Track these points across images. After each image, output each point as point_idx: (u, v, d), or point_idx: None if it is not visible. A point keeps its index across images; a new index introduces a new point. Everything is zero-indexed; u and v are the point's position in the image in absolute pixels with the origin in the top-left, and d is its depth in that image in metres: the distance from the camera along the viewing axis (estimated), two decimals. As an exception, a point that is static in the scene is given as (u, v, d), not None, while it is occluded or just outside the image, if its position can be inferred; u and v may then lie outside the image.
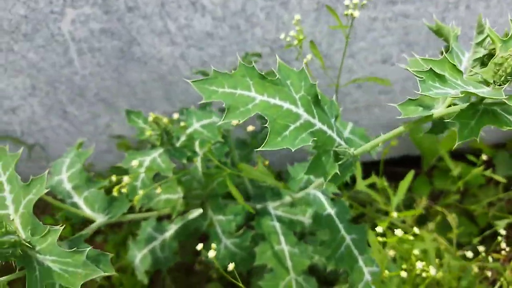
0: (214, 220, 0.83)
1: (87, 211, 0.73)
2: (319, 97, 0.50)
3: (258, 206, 0.94)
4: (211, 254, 0.58)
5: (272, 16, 1.15)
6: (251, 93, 0.49)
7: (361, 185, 0.85)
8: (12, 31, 1.12)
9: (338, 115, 0.55)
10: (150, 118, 0.69)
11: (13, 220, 0.54)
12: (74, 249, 0.51)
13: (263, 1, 1.11)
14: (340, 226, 0.69)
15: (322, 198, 0.72)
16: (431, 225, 1.05)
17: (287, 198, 0.92)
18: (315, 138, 0.47)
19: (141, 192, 0.64)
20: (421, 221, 1.20)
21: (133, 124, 0.73)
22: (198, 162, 0.77)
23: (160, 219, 0.98)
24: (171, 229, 0.90)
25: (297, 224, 0.90)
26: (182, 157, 0.70)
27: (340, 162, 0.49)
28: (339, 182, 0.50)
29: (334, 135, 0.51)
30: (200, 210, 0.88)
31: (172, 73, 1.28)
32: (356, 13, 0.70)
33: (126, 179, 0.60)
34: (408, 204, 1.27)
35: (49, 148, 1.47)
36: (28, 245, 0.51)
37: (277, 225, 0.85)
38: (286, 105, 0.48)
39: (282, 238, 0.85)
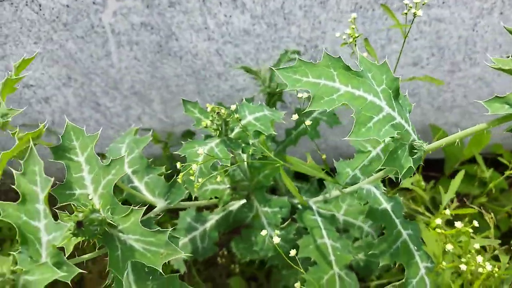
0: (260, 212, 0.84)
1: (148, 196, 0.75)
2: (399, 91, 0.52)
3: (295, 201, 0.95)
4: (276, 240, 0.60)
5: (309, 15, 1.17)
6: (335, 83, 0.50)
7: (408, 183, 0.87)
8: (53, 20, 1.13)
9: (410, 110, 0.56)
10: (209, 109, 0.71)
11: (91, 199, 0.56)
12: (157, 229, 0.52)
13: (303, 0, 1.13)
14: (397, 221, 0.71)
15: (377, 193, 0.73)
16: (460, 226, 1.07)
17: (326, 195, 0.94)
18: (399, 131, 0.48)
19: (200, 180, 0.66)
20: (448, 223, 1.22)
21: (190, 114, 0.75)
22: (245, 154, 0.79)
23: (198, 209, 1.00)
24: (212, 219, 0.91)
25: (336, 220, 0.92)
26: (237, 148, 0.71)
27: (414, 157, 0.50)
28: (407, 175, 0.52)
29: (410, 130, 0.52)
30: (243, 201, 0.89)
31: (205, 68, 1.29)
32: (420, 12, 0.72)
33: (194, 166, 0.62)
34: (434, 206, 1.29)
35: (77, 139, 1.49)
36: (113, 223, 0.52)
37: (319, 219, 0.87)
38: (370, 97, 0.49)
39: (324, 233, 0.87)
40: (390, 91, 0.51)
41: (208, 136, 0.76)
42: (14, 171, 0.53)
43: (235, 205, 0.91)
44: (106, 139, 1.51)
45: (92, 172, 0.58)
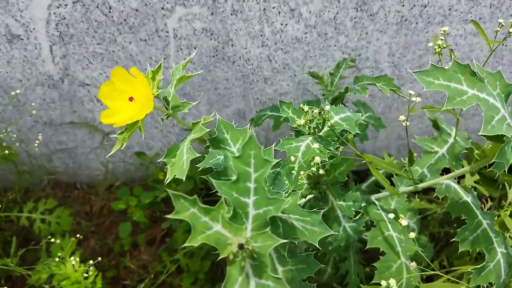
0: (335, 205, 0.92)
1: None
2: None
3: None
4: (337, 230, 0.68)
5: (358, 26, 1.27)
6: (463, 87, 0.59)
7: (470, 180, 0.96)
8: (120, 23, 1.20)
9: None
10: (306, 109, 0.79)
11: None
12: (313, 209, 0.60)
13: (354, 12, 1.23)
14: (477, 212, 0.80)
15: (456, 187, 0.82)
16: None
17: (379, 194, 1.03)
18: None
19: (302, 173, 0.74)
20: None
21: (284, 114, 0.83)
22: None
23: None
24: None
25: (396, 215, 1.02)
26: (328, 145, 0.79)
27: (516, 152, 0.60)
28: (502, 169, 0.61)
29: (514, 129, 0.61)
30: (313, 195, 0.98)
31: (254, 73, 1.37)
32: None
33: (317, 159, 0.70)
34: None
35: (121, 137, 1.55)
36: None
37: (383, 213, 0.96)
38: (491, 100, 0.59)
39: (389, 226, 0.95)
40: (503, 95, 0.61)
41: (298, 134, 0.84)
42: (230, 155, 0.61)
43: (308, 196, 0.99)
44: (148, 139, 1.57)
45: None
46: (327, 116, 0.79)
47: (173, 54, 1.29)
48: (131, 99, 0.63)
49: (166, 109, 0.75)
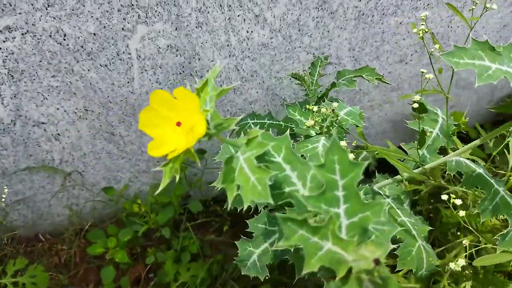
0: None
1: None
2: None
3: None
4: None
5: (320, 25, 1.28)
6: (486, 62, 0.61)
7: (466, 153, 1.00)
8: (77, 50, 1.10)
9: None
10: (315, 108, 0.77)
11: (303, 195, 0.59)
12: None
13: (316, 12, 1.24)
14: (492, 181, 0.83)
15: (467, 161, 0.85)
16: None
17: (388, 180, 1.04)
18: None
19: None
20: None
21: (292, 117, 0.80)
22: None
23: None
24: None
25: (402, 200, 1.03)
26: (340, 141, 0.79)
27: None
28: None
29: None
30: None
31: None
32: (494, 6, 0.84)
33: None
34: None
35: (86, 175, 1.42)
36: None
37: (390, 201, 0.97)
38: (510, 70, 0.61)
39: (399, 212, 0.96)
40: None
41: (307, 136, 0.82)
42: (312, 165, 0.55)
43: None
44: (114, 171, 1.45)
45: (295, 169, 0.62)
46: (338, 113, 0.78)
47: (137, 76, 1.21)
48: (178, 124, 0.56)
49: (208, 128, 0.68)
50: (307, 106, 0.79)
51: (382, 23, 1.36)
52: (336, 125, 0.81)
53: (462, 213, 0.90)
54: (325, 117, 0.75)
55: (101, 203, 1.52)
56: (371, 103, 1.65)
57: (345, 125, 0.82)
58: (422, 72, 0.88)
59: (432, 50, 0.89)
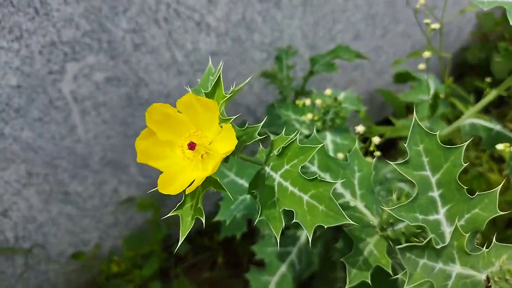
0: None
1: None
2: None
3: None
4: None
5: (267, 19, 1.18)
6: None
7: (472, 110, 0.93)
8: (2, 110, 0.92)
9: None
10: (308, 102, 0.66)
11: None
12: None
13: (260, 5, 1.13)
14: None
15: (481, 122, 0.76)
16: None
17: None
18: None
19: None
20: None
21: (284, 118, 0.69)
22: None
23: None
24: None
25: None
26: (346, 133, 0.68)
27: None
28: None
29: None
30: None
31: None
32: None
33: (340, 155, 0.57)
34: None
35: (48, 246, 1.22)
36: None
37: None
38: None
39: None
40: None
41: (307, 136, 0.71)
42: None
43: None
44: (80, 233, 1.27)
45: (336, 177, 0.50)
46: (341, 101, 0.67)
47: (80, 122, 1.05)
48: (191, 146, 0.41)
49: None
50: (297, 102, 0.67)
51: (329, 2, 1.27)
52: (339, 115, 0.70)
53: None
54: (327, 109, 0.64)
55: (74, 272, 1.33)
56: (336, 87, 1.56)
57: (346, 113, 0.71)
58: (427, 23, 0.79)
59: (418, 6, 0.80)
